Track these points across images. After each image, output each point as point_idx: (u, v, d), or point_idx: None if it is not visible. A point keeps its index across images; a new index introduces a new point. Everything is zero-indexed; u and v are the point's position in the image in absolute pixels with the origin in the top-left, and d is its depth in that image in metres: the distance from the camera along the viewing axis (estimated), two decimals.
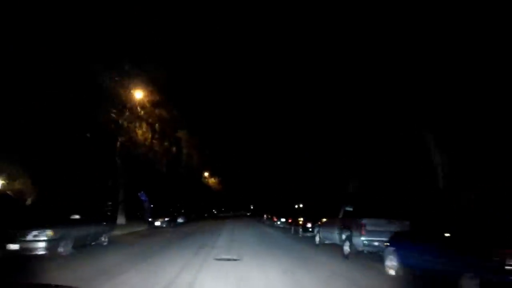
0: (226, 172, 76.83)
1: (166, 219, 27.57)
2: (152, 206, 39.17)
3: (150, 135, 26.07)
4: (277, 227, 33.15)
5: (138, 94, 26.06)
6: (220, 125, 53.03)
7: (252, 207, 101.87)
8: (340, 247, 12.29)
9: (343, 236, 11.81)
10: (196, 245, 14.62)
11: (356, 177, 22.59)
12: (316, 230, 15.71)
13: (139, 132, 25.63)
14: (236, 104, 53.64)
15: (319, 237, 15.01)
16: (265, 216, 44.82)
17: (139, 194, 39.10)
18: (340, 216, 12.79)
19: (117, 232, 17.86)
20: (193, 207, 54.07)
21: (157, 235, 20.81)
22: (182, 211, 39.02)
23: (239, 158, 71.41)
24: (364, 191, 21.43)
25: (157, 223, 26.94)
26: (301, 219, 22.42)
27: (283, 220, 33.53)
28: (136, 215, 34.61)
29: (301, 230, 20.87)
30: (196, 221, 44.97)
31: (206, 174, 65.35)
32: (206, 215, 65.47)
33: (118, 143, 26.98)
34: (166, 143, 28.83)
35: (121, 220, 28.50)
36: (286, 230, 28.48)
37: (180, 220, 34.02)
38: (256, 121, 54.78)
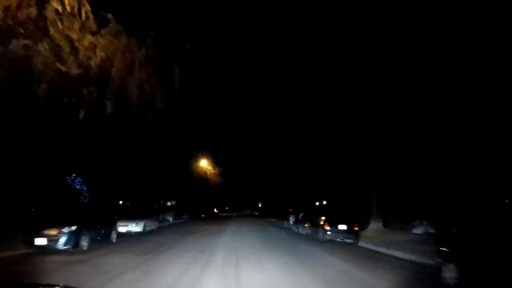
0: (228, 163, 62.15)
1: (65, 230, 10.40)
2: (88, 201, 22.27)
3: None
4: (341, 243, 16.11)
5: None
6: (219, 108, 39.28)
7: (260, 205, 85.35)
8: None
9: None
10: None
11: None
12: None
13: None
14: (236, 78, 40.11)
15: None
16: (291, 218, 27.32)
17: (68, 179, 22.10)
18: None
19: None
20: (186, 206, 43.07)
21: None
22: (149, 210, 22.07)
23: (242, 148, 56.99)
24: None
25: (41, 241, 10.00)
26: None
27: (342, 227, 16.49)
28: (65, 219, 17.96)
29: None
30: (185, 223, 31.40)
31: (202, 162, 49.90)
32: (203, 215, 49.90)
33: None
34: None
35: None
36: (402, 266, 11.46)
37: (131, 228, 16.72)
38: (261, 103, 40.18)
